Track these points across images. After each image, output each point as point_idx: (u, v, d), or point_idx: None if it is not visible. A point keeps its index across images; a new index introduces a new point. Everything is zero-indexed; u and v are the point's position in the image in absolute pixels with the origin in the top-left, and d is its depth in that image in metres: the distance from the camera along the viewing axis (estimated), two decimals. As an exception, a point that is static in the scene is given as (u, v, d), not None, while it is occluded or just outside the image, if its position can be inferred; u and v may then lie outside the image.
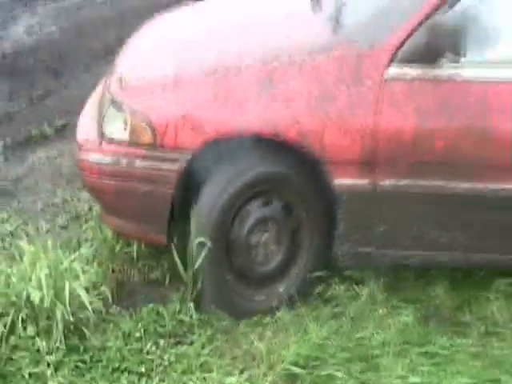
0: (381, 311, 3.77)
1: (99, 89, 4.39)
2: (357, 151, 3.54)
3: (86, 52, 7.10)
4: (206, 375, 3.41)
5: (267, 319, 3.77)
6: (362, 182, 3.60)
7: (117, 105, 3.70)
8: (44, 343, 3.43)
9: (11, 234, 4.39)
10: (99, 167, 3.73)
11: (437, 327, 3.75)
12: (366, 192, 3.61)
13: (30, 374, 3.35)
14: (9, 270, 3.76)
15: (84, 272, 3.69)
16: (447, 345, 3.62)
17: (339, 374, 3.45)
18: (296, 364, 3.46)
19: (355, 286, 3.85)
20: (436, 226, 3.71)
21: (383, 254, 3.79)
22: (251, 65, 3.65)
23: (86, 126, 4.00)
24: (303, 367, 3.47)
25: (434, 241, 3.74)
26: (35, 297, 3.44)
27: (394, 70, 3.54)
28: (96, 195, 3.97)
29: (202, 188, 3.64)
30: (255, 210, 3.72)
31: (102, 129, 3.77)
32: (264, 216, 3.73)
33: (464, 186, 3.59)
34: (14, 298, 3.51)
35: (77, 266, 3.68)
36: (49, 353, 3.42)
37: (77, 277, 3.62)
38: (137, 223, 3.81)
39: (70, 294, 3.51)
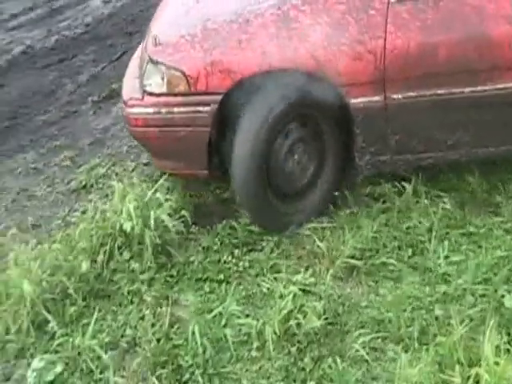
0: (424, 202, 3.64)
1: (138, 51, 4.24)
2: (369, 73, 3.34)
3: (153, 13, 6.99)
4: (276, 275, 3.33)
5: (325, 220, 3.64)
6: (376, 98, 3.40)
7: (153, 62, 3.54)
8: (137, 264, 3.41)
9: (103, 175, 4.33)
10: (143, 118, 3.60)
11: (473, 210, 3.61)
12: (379, 107, 3.41)
13: (128, 292, 3.33)
14: (104, 207, 3.74)
15: (166, 200, 3.62)
16: (483, 224, 3.50)
17: (391, 261, 3.36)
18: (353, 257, 3.37)
19: (400, 183, 3.70)
20: (443, 129, 3.52)
21: (399, 160, 3.61)
22: (268, 8, 3.43)
23: (129, 85, 3.86)
24: (359, 259, 3.37)
25: (442, 142, 3.55)
26: (127, 226, 3.42)
27: None
28: (143, 144, 3.84)
29: (237, 124, 3.45)
30: (292, 132, 3.53)
31: (142, 85, 3.62)
32: (298, 137, 3.56)
33: (466, 89, 3.38)
34: (110, 230, 3.48)
35: (159, 196, 3.62)
36: (142, 272, 3.40)
37: (160, 205, 3.57)
38: (182, 163, 3.67)
39: (156, 220, 3.47)
